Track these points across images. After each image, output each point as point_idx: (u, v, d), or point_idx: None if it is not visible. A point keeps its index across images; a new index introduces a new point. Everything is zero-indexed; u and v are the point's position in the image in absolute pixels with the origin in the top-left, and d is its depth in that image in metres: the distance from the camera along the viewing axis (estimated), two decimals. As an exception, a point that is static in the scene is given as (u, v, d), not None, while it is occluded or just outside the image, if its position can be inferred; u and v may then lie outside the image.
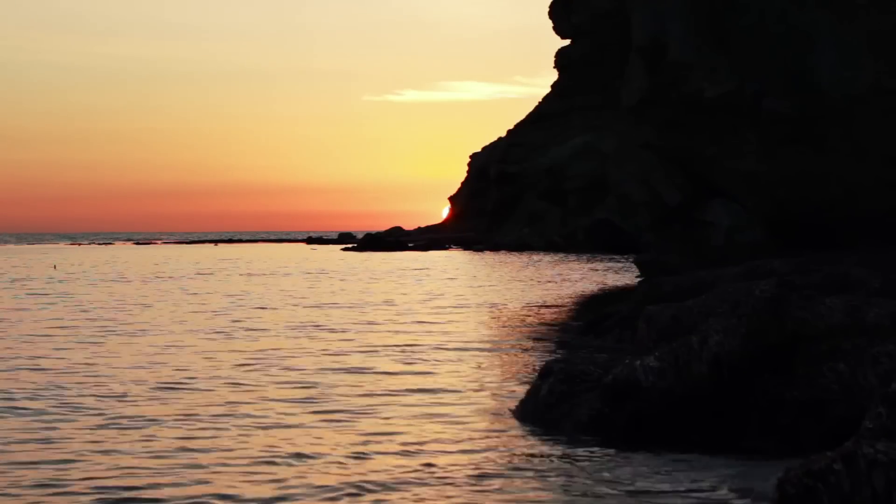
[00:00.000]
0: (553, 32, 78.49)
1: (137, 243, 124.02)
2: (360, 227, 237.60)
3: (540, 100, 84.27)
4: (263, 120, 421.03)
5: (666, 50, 23.49)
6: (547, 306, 25.97)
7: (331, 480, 8.35)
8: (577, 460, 8.97)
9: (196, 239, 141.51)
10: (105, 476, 8.55)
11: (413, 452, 9.32)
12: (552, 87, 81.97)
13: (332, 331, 19.92)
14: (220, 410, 11.45)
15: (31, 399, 12.26)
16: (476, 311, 24.42)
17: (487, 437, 9.97)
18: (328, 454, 9.27)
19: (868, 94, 20.39)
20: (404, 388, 12.93)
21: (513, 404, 11.35)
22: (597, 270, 44.44)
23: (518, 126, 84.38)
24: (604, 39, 65.43)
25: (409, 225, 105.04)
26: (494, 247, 73.43)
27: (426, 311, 24.31)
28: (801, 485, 6.00)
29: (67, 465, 8.96)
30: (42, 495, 8.04)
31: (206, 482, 8.36)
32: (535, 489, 8.08)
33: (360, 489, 8.10)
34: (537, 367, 12.93)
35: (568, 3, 74.46)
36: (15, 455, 9.35)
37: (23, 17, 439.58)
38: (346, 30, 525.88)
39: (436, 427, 10.44)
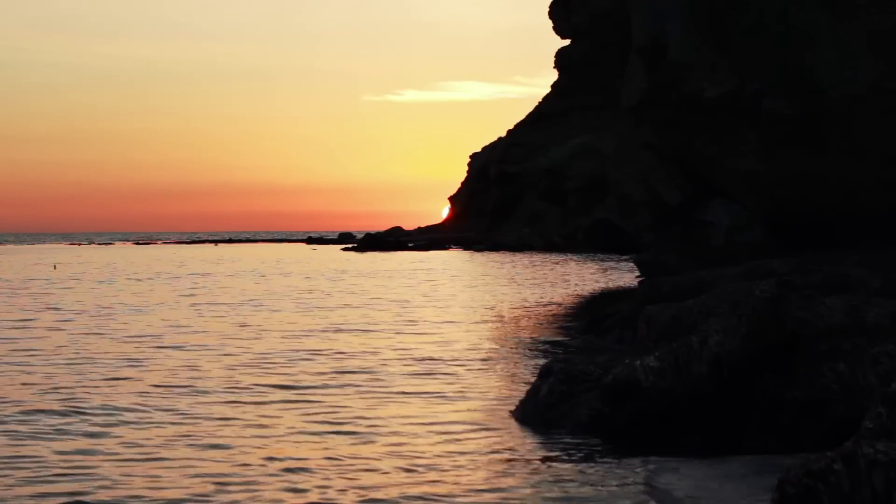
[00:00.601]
0: (553, 32, 78.47)
1: (137, 243, 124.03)
2: (360, 227, 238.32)
3: (540, 100, 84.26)
4: (263, 120, 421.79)
5: (666, 50, 23.52)
6: (547, 306, 25.97)
7: (331, 481, 8.36)
8: (577, 460, 8.97)
9: (196, 239, 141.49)
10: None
11: (412, 453, 9.32)
12: (552, 87, 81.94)
13: (339, 331, 19.91)
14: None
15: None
16: (476, 312, 24.41)
17: (487, 437, 9.97)
18: (328, 454, 9.27)
19: (868, 94, 20.40)
20: (404, 388, 12.93)
21: (513, 404, 11.36)
22: (597, 270, 44.44)
23: (518, 126, 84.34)
24: (604, 39, 65.38)
25: (409, 225, 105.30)
26: (494, 247, 73.43)
27: (426, 312, 24.31)
28: (801, 485, 6.00)
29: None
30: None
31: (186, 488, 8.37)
32: (534, 489, 8.08)
33: (360, 489, 8.10)
34: (537, 367, 12.92)
35: (568, 3, 74.40)
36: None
37: (23, 17, 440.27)
38: (346, 30, 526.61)
39: (435, 427, 10.43)
